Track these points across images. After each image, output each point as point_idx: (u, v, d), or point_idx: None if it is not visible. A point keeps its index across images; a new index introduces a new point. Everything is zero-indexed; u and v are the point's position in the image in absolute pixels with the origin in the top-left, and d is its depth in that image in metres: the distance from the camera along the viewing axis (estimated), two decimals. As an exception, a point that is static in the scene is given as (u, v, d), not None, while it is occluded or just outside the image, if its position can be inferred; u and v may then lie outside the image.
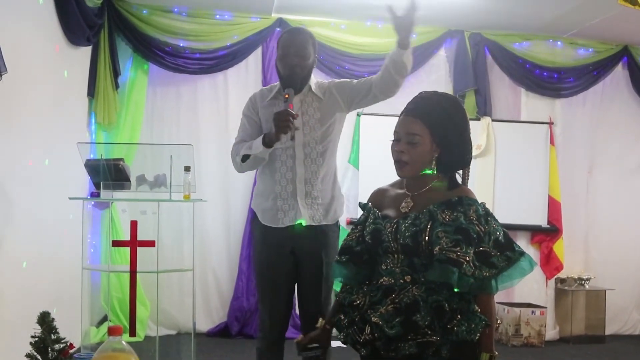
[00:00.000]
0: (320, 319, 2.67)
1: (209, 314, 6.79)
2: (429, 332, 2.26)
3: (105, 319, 6.19)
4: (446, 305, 2.28)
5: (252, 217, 3.65)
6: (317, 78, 3.62)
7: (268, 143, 3.36)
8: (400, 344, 2.27)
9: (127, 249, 4.71)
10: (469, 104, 7.03)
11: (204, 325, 6.71)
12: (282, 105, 3.32)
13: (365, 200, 2.72)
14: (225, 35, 6.74)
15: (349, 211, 6.52)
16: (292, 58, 3.46)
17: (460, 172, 2.57)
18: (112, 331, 1.79)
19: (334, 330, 2.60)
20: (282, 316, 3.56)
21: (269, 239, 3.52)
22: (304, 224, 3.44)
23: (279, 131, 3.28)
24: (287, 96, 3.31)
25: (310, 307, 3.50)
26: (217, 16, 6.75)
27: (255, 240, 3.65)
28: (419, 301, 2.30)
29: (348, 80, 3.66)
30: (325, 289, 3.46)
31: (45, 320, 2.08)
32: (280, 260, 3.50)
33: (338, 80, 3.69)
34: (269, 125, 3.46)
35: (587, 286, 7.14)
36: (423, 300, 2.30)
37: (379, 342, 2.31)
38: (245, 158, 3.48)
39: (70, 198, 4.83)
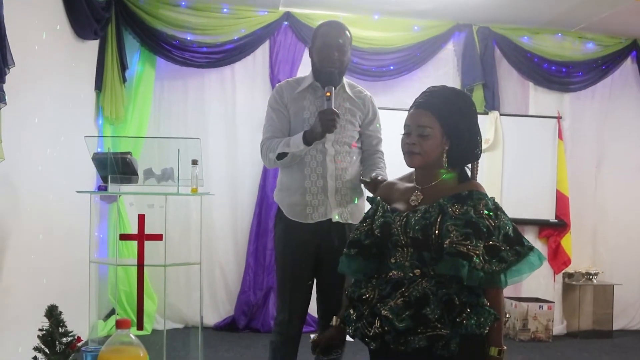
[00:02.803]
0: (335, 317, 2.64)
1: (216, 307, 6.80)
2: (439, 325, 2.26)
3: (112, 312, 6.20)
4: (456, 298, 2.28)
5: (276, 211, 3.63)
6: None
7: (309, 141, 3.34)
8: (410, 337, 2.27)
9: (135, 243, 4.70)
10: (477, 98, 7.00)
11: (211, 319, 6.72)
12: (325, 104, 3.31)
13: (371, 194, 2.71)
14: (233, 29, 6.73)
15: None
16: (332, 52, 3.45)
17: (470, 166, 2.56)
18: (120, 324, 1.79)
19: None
20: (301, 312, 3.55)
21: (294, 234, 3.49)
22: (334, 219, 3.44)
23: (325, 130, 3.27)
24: (328, 94, 3.30)
25: (331, 304, 3.48)
26: (225, 10, 6.74)
27: (279, 235, 3.59)
28: (429, 295, 2.29)
29: (376, 119, 3.66)
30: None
31: (52, 313, 2.08)
32: (304, 256, 3.48)
33: (374, 104, 3.67)
34: (298, 118, 3.47)
35: (594, 281, 7.12)
36: (433, 294, 2.30)
37: (389, 335, 2.31)
38: (281, 155, 3.44)
39: (77, 191, 4.83)
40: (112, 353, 1.76)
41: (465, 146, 2.48)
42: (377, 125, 3.66)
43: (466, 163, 2.53)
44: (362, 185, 3.49)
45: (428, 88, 2.53)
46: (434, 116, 2.43)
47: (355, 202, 3.54)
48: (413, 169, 2.58)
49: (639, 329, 7.43)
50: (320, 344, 2.58)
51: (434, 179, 2.50)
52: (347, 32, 3.53)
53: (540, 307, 6.73)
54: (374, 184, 3.25)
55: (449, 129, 2.44)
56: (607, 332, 7.03)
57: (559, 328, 7.06)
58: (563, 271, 7.20)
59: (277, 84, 3.71)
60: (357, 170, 3.59)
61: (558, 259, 7.12)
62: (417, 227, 2.38)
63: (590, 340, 6.84)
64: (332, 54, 3.45)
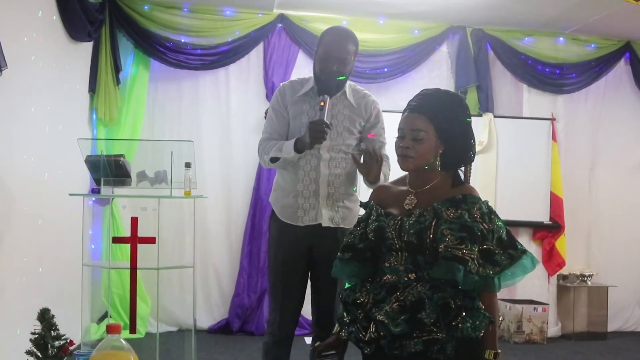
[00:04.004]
0: (336, 326, 2.63)
1: (210, 310, 6.78)
2: (435, 329, 2.25)
3: (105, 315, 6.18)
4: (452, 302, 2.27)
5: (271, 213, 3.64)
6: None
7: (300, 150, 3.36)
8: (406, 341, 2.26)
9: (128, 246, 4.69)
10: (471, 100, 7.00)
11: (205, 322, 6.70)
12: (318, 114, 3.30)
13: (366, 198, 2.71)
14: (227, 31, 6.72)
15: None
16: (332, 63, 3.40)
17: (462, 169, 2.56)
18: (110, 329, 1.78)
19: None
20: (293, 314, 3.56)
21: (287, 235, 3.51)
22: (323, 224, 3.44)
23: (313, 142, 3.28)
24: (322, 104, 3.29)
25: (323, 306, 3.51)
26: (219, 12, 6.73)
27: (271, 237, 3.62)
28: (424, 299, 2.29)
29: (380, 123, 3.61)
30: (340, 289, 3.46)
31: (45, 317, 2.07)
32: (295, 258, 3.50)
33: (377, 108, 3.62)
34: (297, 122, 3.48)
35: (589, 283, 7.13)
36: (428, 298, 2.29)
37: (384, 340, 2.30)
38: (274, 159, 3.46)
39: (70, 194, 4.82)
40: (102, 358, 1.75)
41: (459, 149, 2.48)
42: (381, 129, 3.64)
43: (460, 166, 2.53)
44: (355, 165, 3.43)
45: (422, 91, 2.53)
46: (428, 120, 2.43)
47: (344, 204, 3.52)
48: (406, 173, 2.58)
49: (634, 330, 7.44)
50: (318, 349, 2.58)
51: (427, 183, 2.49)
52: (352, 42, 3.47)
53: (534, 309, 6.73)
54: (368, 157, 3.25)
55: (443, 133, 2.43)
56: (601, 333, 7.03)
57: (553, 330, 7.06)
58: (557, 273, 7.20)
59: (280, 84, 3.69)
60: (351, 177, 3.58)
61: (552, 260, 7.12)
62: (411, 231, 2.37)
63: (585, 342, 6.85)
64: (331, 66, 3.41)
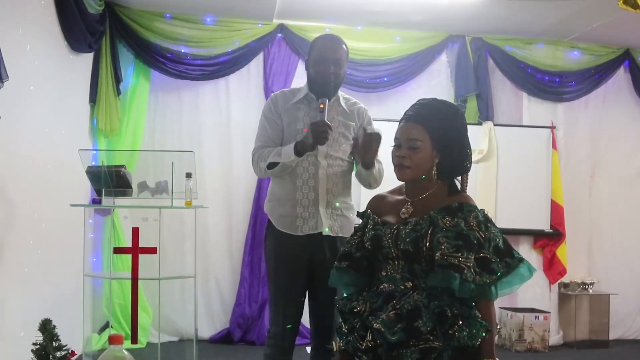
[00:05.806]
0: (334, 342, 2.60)
1: (211, 320, 6.77)
2: (431, 337, 2.25)
3: (107, 325, 6.17)
4: (448, 310, 2.28)
5: (267, 223, 3.62)
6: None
7: (300, 152, 3.34)
8: (402, 350, 2.27)
9: (129, 256, 4.69)
10: (471, 108, 7.02)
11: (206, 332, 6.69)
12: (318, 116, 3.32)
13: (364, 208, 2.72)
14: (227, 41, 6.73)
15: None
16: (329, 65, 3.45)
17: (459, 178, 2.57)
18: (113, 340, 1.79)
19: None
20: (294, 324, 3.53)
21: (285, 246, 3.48)
22: (324, 232, 3.44)
23: (316, 142, 3.28)
24: (322, 106, 3.31)
25: (323, 316, 3.49)
26: (218, 22, 6.74)
27: (269, 247, 3.58)
28: (421, 307, 2.29)
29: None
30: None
31: (46, 327, 2.08)
32: (297, 268, 3.47)
33: (369, 115, 3.67)
34: (291, 128, 3.48)
35: (590, 291, 7.12)
36: (424, 306, 2.30)
37: (381, 348, 2.30)
38: (271, 165, 3.44)
39: (71, 205, 4.82)
40: (104, 368, 1.76)
41: (455, 159, 2.49)
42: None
43: (456, 176, 2.55)
44: (352, 155, 3.47)
45: (418, 100, 2.55)
46: (424, 129, 2.44)
47: (338, 205, 3.52)
48: (403, 183, 2.59)
49: (635, 338, 7.42)
50: None
51: (424, 192, 2.51)
52: (344, 46, 3.54)
53: (536, 317, 6.71)
54: (366, 141, 3.26)
55: (439, 142, 2.45)
56: (603, 342, 7.01)
57: (555, 338, 7.04)
58: (559, 281, 7.19)
59: (272, 94, 3.71)
60: (349, 184, 3.58)
61: (553, 269, 7.11)
62: (407, 240, 2.38)
63: (587, 350, 6.83)
64: (327, 67, 3.45)
